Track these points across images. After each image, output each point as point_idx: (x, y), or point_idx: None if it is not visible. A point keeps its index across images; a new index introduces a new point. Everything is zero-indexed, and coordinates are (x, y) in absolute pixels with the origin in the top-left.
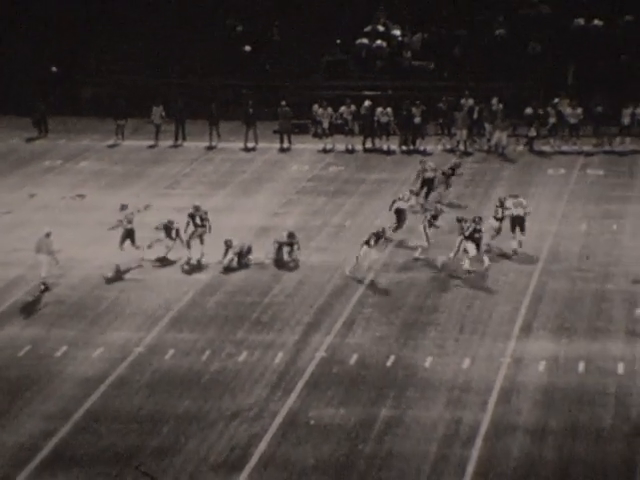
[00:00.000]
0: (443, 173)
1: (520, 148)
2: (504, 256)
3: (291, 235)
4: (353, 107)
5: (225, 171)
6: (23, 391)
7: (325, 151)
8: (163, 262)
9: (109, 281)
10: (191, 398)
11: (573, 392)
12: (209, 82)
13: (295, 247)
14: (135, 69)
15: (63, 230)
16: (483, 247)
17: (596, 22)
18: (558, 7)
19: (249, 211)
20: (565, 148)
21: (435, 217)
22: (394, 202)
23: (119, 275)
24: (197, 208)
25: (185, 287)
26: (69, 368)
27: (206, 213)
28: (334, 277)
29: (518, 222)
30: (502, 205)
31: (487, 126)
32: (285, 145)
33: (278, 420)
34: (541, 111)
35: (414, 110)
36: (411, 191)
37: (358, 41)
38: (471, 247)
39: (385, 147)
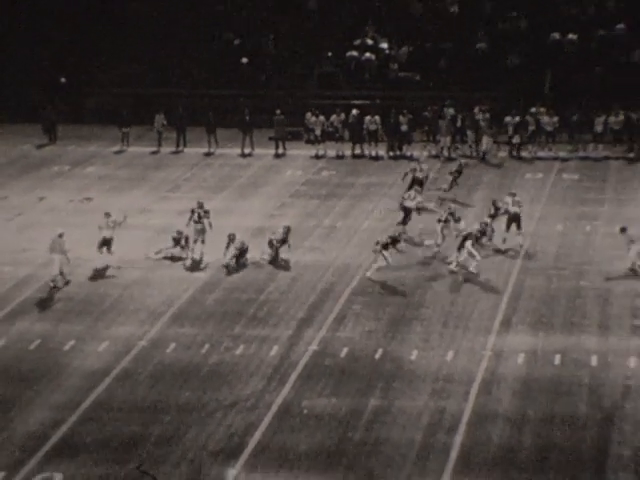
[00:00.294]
0: (450, 173)
1: (503, 154)
2: (499, 252)
3: (287, 229)
4: (343, 115)
5: (223, 176)
6: (33, 382)
7: (317, 157)
8: (168, 260)
9: (91, 278)
10: (191, 389)
11: (550, 383)
12: (208, 92)
13: (289, 243)
14: (138, 80)
15: (71, 231)
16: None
17: (571, 36)
18: (535, 22)
19: (246, 213)
20: (542, 154)
21: (452, 215)
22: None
23: (98, 274)
24: (200, 205)
25: (186, 285)
26: (76, 361)
27: (207, 212)
28: (326, 275)
29: (515, 219)
30: (495, 206)
31: (470, 133)
32: (280, 151)
33: (273, 410)
34: (519, 119)
35: (401, 118)
36: (416, 189)
37: (348, 54)
38: (477, 251)
39: (373, 153)
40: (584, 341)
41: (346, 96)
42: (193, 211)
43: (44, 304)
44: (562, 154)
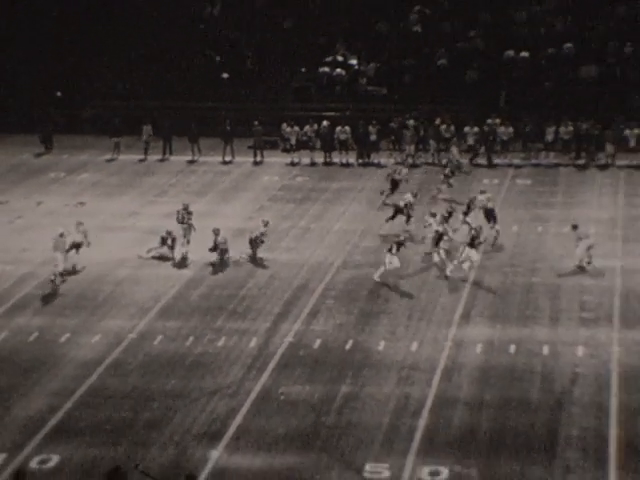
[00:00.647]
0: (445, 175)
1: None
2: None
3: (267, 223)
4: (316, 126)
5: (206, 181)
6: (32, 372)
7: (292, 164)
8: (155, 259)
9: (67, 274)
10: (177, 378)
11: (505, 370)
12: (192, 104)
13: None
14: (128, 93)
15: (66, 233)
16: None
17: (523, 54)
18: (491, 41)
19: (227, 216)
20: (498, 161)
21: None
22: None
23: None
24: (185, 207)
25: (172, 282)
26: (72, 352)
27: (190, 213)
28: (301, 273)
29: (490, 214)
30: (469, 206)
31: (432, 143)
32: (258, 159)
33: (252, 396)
34: (478, 130)
35: (370, 128)
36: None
37: (320, 69)
38: (474, 254)
39: (344, 160)
40: (536, 332)
41: (318, 108)
42: (178, 212)
43: (42, 300)
44: (516, 161)
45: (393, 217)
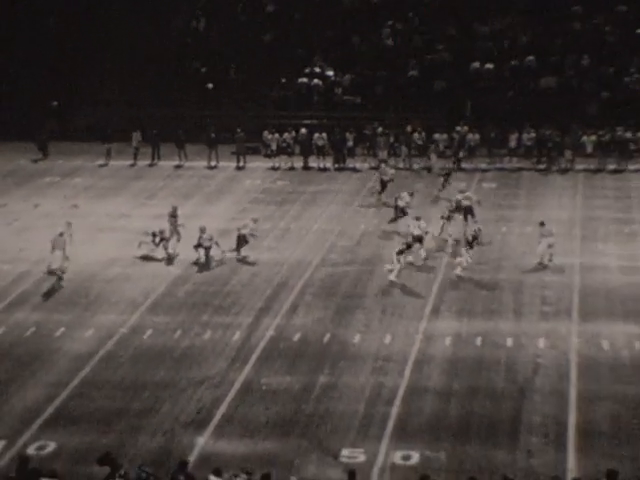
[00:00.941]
0: (442, 176)
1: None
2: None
3: (256, 221)
4: (294, 133)
5: (192, 185)
6: (29, 364)
7: (273, 169)
8: (144, 258)
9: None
10: (165, 369)
11: (472, 361)
12: (179, 113)
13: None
14: (118, 102)
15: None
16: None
17: (488, 66)
18: (458, 54)
19: (212, 217)
20: (465, 166)
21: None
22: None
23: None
24: (174, 209)
25: (160, 279)
26: (66, 345)
27: (174, 217)
28: (281, 271)
29: (469, 211)
30: (456, 204)
31: (403, 148)
32: (241, 164)
33: (236, 386)
34: (447, 136)
35: (347, 135)
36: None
37: (299, 80)
38: (470, 254)
39: (321, 165)
40: (501, 325)
41: (297, 116)
42: (168, 214)
43: (38, 297)
44: (482, 166)
45: (396, 218)
